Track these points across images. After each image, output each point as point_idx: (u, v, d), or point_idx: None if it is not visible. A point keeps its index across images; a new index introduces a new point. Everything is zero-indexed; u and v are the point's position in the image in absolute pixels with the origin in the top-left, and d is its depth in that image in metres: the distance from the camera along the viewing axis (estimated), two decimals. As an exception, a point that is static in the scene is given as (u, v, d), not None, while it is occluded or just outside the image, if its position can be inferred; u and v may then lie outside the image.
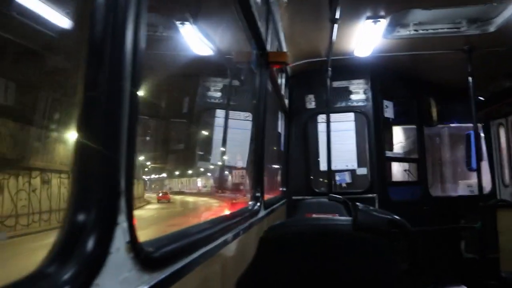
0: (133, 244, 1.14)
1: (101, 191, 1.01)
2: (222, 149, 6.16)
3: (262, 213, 3.73)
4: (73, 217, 0.98)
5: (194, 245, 1.75)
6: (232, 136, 6.10)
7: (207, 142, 6.41)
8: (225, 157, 6.24)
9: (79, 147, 1.01)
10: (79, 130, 1.01)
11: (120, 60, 1.07)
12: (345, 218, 2.10)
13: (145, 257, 1.21)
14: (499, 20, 4.85)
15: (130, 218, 1.12)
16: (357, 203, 2.11)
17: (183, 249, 1.60)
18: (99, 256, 1.00)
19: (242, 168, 6.27)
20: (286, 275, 2.02)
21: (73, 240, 0.96)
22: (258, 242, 2.14)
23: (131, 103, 1.11)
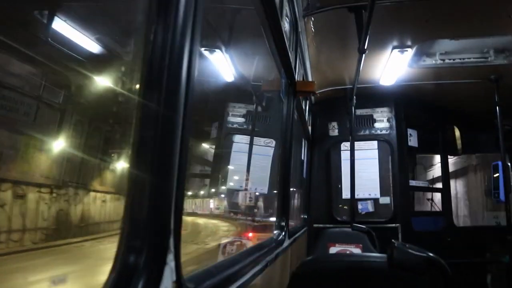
0: (178, 282, 1.13)
1: (152, 230, 1.01)
2: (241, 173, 6.15)
3: (286, 242, 3.68)
4: (125, 258, 0.98)
5: (228, 280, 1.73)
6: (253, 162, 6.10)
7: (226, 166, 6.41)
8: (243, 181, 6.23)
9: (131, 186, 1.01)
10: (132, 167, 1.02)
11: (175, 99, 1.08)
12: (379, 255, 2.05)
13: None
14: (528, 50, 4.81)
15: (177, 257, 1.11)
16: (393, 240, 2.06)
17: (219, 284, 1.58)
18: None
19: (260, 194, 6.25)
20: None
21: (125, 281, 0.96)
22: (290, 277, 2.10)
23: (182, 144, 1.11)
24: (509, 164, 6.64)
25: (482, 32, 4.55)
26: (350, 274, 2.01)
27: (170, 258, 1.07)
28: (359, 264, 2.08)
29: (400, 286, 1.95)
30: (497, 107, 5.81)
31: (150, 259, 0.99)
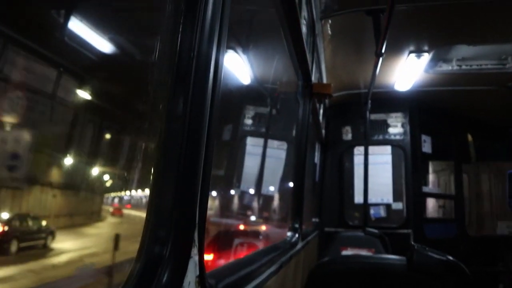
0: (202, 277, 1.13)
1: (178, 223, 1.01)
2: (254, 176, 6.14)
3: (300, 245, 3.67)
4: (151, 248, 0.98)
5: (246, 279, 1.73)
6: (266, 165, 6.09)
7: (241, 168, 6.40)
8: (254, 183, 6.22)
9: (158, 178, 1.02)
10: (158, 163, 1.03)
11: (202, 98, 1.09)
12: (398, 257, 2.03)
13: None
14: (545, 57, 4.76)
15: (201, 251, 1.11)
16: (413, 243, 2.04)
17: (237, 283, 1.58)
18: None
19: (271, 195, 6.23)
20: None
21: (151, 271, 0.96)
22: (308, 277, 2.09)
23: (208, 137, 1.12)
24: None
25: (500, 38, 4.51)
26: (368, 275, 1.99)
27: (195, 252, 1.07)
28: (378, 265, 2.06)
29: None
30: None
31: (175, 251, 0.99)
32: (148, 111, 1.13)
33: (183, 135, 1.03)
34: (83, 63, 1.12)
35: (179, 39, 1.07)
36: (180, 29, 1.08)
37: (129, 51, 1.36)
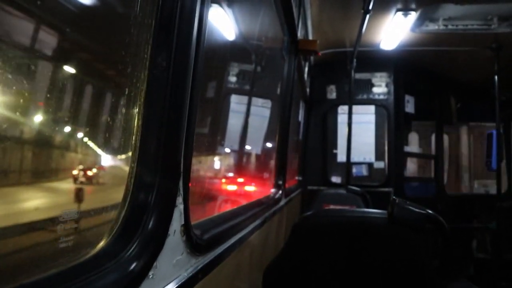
0: (186, 227, 1.14)
1: (163, 171, 1.01)
2: (237, 134, 6.13)
3: (283, 201, 3.72)
4: (136, 196, 0.98)
5: (230, 232, 1.76)
6: (250, 123, 6.06)
7: (225, 126, 6.36)
8: (238, 141, 6.21)
9: (142, 128, 1.00)
10: (143, 111, 1.01)
11: (186, 49, 1.07)
12: (380, 211, 2.08)
13: (194, 241, 1.21)
14: (532, 19, 4.76)
15: (186, 201, 1.11)
16: (394, 197, 2.09)
17: (222, 235, 1.60)
18: (159, 237, 1.00)
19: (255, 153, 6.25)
20: (319, 264, 2.01)
21: (136, 218, 0.96)
22: (291, 230, 2.13)
23: (193, 87, 1.11)
24: (503, 133, 6.69)
25: (487, -2, 4.49)
26: (351, 228, 2.04)
27: (179, 200, 1.08)
28: (360, 219, 2.11)
29: (400, 241, 1.99)
30: (496, 77, 5.79)
31: (160, 199, 0.99)
32: (131, 58, 1.10)
33: (168, 83, 1.02)
34: (59, 11, 1.07)
35: None
36: None
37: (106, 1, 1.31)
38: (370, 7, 3.74)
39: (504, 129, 7.34)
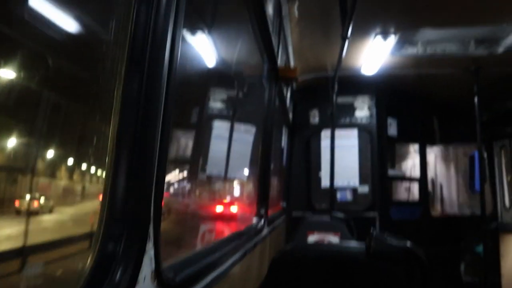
0: (158, 271, 1.10)
1: (131, 218, 0.98)
2: (221, 160, 6.06)
3: (266, 230, 3.64)
4: (103, 246, 0.94)
5: (208, 269, 1.69)
6: (233, 148, 6.00)
7: (206, 152, 6.30)
8: (222, 168, 6.15)
9: (111, 170, 0.97)
10: (112, 155, 0.98)
11: (156, 85, 1.04)
12: (358, 245, 2.05)
13: (166, 285, 1.17)
14: (508, 41, 4.83)
15: (157, 245, 1.08)
16: (371, 230, 2.05)
17: (198, 274, 1.55)
18: (129, 286, 0.96)
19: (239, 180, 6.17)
20: None
21: (103, 270, 0.92)
22: (269, 265, 2.07)
23: (163, 126, 1.08)
24: (485, 154, 6.72)
25: (463, 22, 4.55)
26: (329, 262, 2.00)
27: (150, 246, 1.05)
28: (338, 253, 2.08)
29: (378, 275, 1.95)
30: (476, 98, 5.85)
31: (129, 247, 0.96)
32: (99, 96, 1.06)
33: (137, 124, 0.98)
34: (31, 40, 1.03)
35: (133, 17, 1.01)
36: (135, 7, 1.02)
37: (81, 28, 1.27)
38: (349, 34, 3.75)
39: (486, 150, 7.39)
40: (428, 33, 4.90)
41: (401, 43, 5.07)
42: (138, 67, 0.99)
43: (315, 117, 6.70)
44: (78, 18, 1.24)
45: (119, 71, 1.00)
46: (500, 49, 4.97)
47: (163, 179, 1.10)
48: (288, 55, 4.65)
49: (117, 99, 0.99)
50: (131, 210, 0.97)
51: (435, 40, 5.08)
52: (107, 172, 0.97)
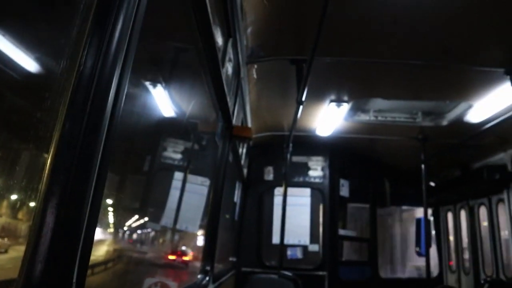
0: None
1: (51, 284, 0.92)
2: (173, 211, 5.98)
3: (211, 287, 3.59)
4: None
5: None
6: (185, 200, 5.95)
7: (157, 203, 6.19)
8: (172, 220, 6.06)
9: (33, 228, 0.93)
10: (40, 199, 0.93)
11: (97, 128, 0.99)
12: None
13: None
14: (451, 116, 5.16)
15: None
16: None
17: None
18: None
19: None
20: None
21: None
22: None
23: (99, 177, 1.02)
24: (431, 219, 6.97)
25: (412, 96, 4.86)
26: None
27: None
28: None
29: None
30: (422, 165, 6.14)
31: None
32: (35, 137, 1.04)
33: (69, 174, 0.92)
34: None
35: (81, 60, 0.99)
36: (85, 52, 1.00)
37: (25, 67, 1.26)
38: (303, 98, 3.93)
39: (433, 214, 7.67)
40: (379, 103, 5.19)
41: (354, 110, 5.33)
42: (79, 111, 0.96)
43: (269, 174, 6.81)
44: (28, 53, 1.22)
45: (60, 112, 0.96)
46: (444, 122, 5.30)
47: (91, 239, 1.04)
48: (246, 114, 4.78)
49: (54, 142, 0.94)
50: (51, 274, 0.91)
51: (385, 110, 5.38)
52: (29, 230, 0.92)
